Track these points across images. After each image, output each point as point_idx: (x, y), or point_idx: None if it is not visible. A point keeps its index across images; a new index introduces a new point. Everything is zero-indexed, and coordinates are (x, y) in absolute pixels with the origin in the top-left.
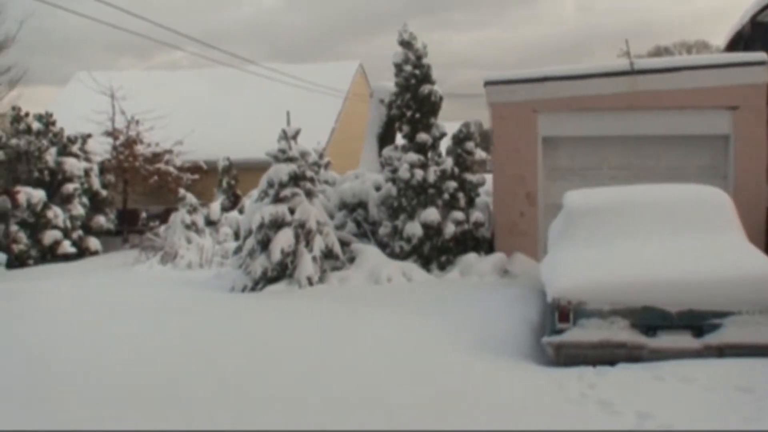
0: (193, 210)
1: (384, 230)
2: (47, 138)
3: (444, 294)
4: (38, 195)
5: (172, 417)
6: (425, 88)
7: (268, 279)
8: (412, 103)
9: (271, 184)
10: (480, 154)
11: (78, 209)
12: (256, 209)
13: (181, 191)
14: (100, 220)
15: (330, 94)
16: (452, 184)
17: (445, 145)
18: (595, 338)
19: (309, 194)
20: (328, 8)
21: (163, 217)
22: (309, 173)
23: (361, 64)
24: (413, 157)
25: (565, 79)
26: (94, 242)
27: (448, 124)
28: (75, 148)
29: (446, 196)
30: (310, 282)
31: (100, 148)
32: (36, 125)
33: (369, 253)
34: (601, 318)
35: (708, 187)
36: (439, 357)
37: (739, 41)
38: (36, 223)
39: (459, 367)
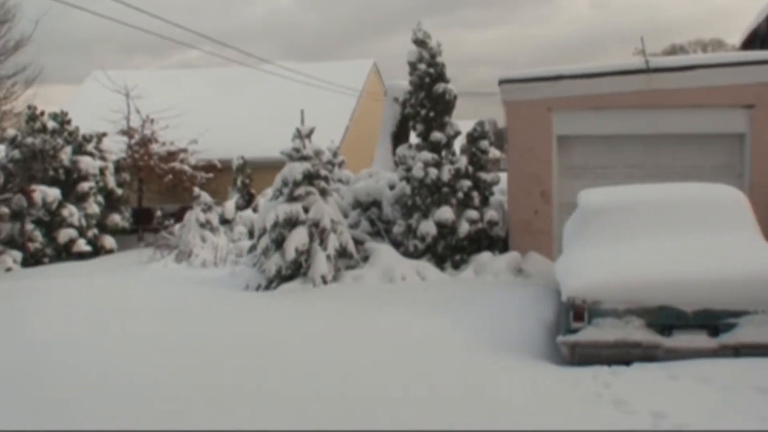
0: (207, 208)
1: (398, 229)
2: (62, 137)
3: (458, 293)
4: (53, 193)
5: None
6: (439, 87)
7: (282, 278)
8: (427, 102)
9: (285, 183)
10: (494, 152)
11: (93, 208)
12: (270, 208)
13: (196, 190)
14: (116, 218)
15: (344, 93)
16: (466, 183)
17: (459, 143)
18: (611, 338)
19: (323, 193)
20: (342, 7)
21: (178, 216)
22: (323, 172)
23: (375, 62)
24: (427, 155)
25: (580, 77)
26: (109, 240)
27: (463, 122)
28: (90, 147)
29: (460, 194)
30: (324, 281)
31: (116, 146)
32: (51, 124)
33: (383, 251)
34: (616, 317)
35: (724, 186)
36: (453, 356)
37: (755, 39)
38: (51, 222)
39: (473, 366)
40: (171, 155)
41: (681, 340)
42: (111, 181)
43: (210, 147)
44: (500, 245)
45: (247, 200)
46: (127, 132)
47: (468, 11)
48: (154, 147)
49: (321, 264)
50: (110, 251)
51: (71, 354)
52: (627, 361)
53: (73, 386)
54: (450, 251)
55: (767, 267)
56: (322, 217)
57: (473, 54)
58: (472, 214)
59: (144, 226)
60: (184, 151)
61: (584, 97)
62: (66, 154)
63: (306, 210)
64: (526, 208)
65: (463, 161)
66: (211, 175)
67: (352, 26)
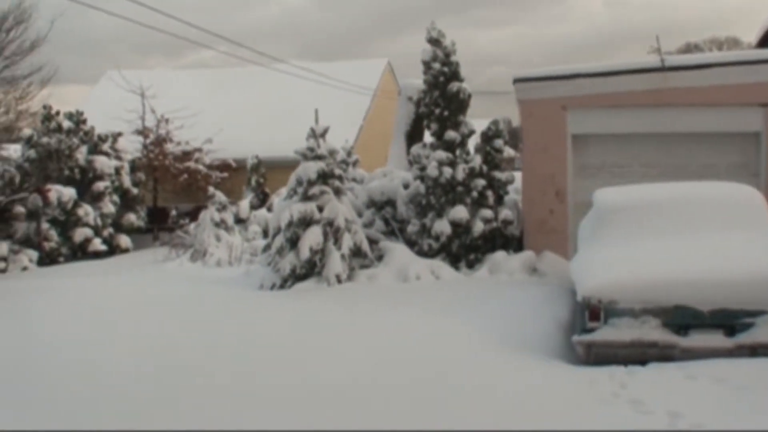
0: (222, 208)
1: (412, 228)
2: (78, 136)
3: (473, 292)
4: (69, 193)
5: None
6: (454, 86)
7: (296, 277)
8: (441, 101)
9: (299, 182)
10: (509, 151)
11: (109, 207)
12: (284, 207)
13: (211, 189)
14: (131, 217)
15: (358, 92)
16: (481, 182)
17: (473, 142)
18: (627, 337)
19: (337, 192)
20: (356, 6)
21: (193, 215)
22: (337, 171)
23: (389, 62)
24: (442, 154)
25: (594, 75)
26: (124, 240)
27: (477, 121)
28: (106, 147)
29: (475, 194)
30: (339, 280)
31: (131, 146)
32: (67, 124)
33: (397, 251)
34: (632, 317)
35: (740, 185)
36: (468, 356)
37: None
38: (67, 221)
39: (488, 366)
40: (186, 155)
41: (697, 339)
42: (126, 181)
43: (224, 146)
44: (515, 244)
45: (262, 199)
46: (142, 132)
47: (482, 10)
48: (169, 146)
49: (335, 263)
50: (126, 250)
51: (82, 353)
52: (643, 361)
53: (82, 386)
54: (464, 250)
55: None
56: (336, 216)
57: (487, 53)
58: (487, 213)
59: (159, 226)
60: (199, 150)
61: (599, 96)
62: (81, 154)
63: (320, 209)
64: (541, 207)
65: (477, 160)
66: (225, 174)
67: (366, 25)
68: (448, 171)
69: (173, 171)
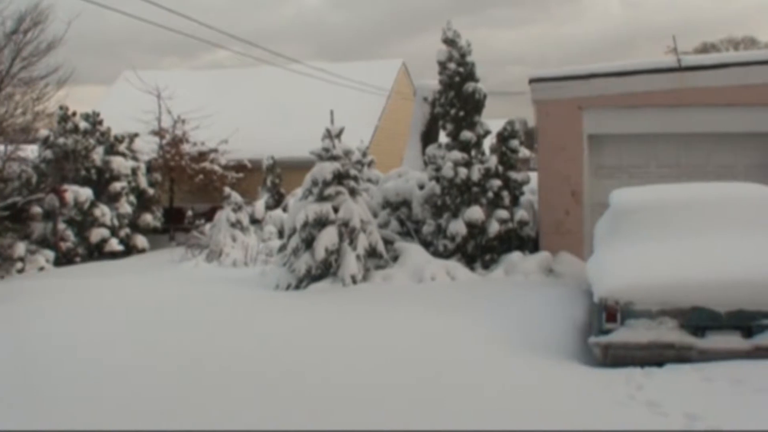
0: (237, 208)
1: (427, 229)
2: (94, 137)
3: (488, 293)
4: (85, 193)
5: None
6: (469, 86)
7: (312, 277)
8: (456, 101)
9: (315, 183)
10: (524, 152)
11: (125, 207)
12: (300, 208)
13: (226, 189)
14: (147, 218)
15: (373, 93)
16: (496, 183)
17: (489, 143)
18: (643, 339)
19: (353, 193)
20: (371, 7)
21: (209, 215)
22: (352, 172)
23: (405, 62)
24: (457, 155)
25: (611, 75)
26: (141, 240)
27: (493, 121)
28: (122, 147)
29: (490, 194)
30: (354, 280)
31: (147, 147)
32: (83, 124)
33: (412, 251)
34: (649, 318)
35: (758, 186)
36: (484, 357)
37: None
38: (83, 221)
39: (504, 366)
40: (202, 155)
41: (714, 341)
42: (143, 181)
43: (240, 147)
44: (530, 245)
45: (277, 200)
46: (159, 132)
47: (498, 10)
48: (185, 147)
49: (351, 264)
50: (142, 251)
51: (99, 353)
52: (660, 363)
53: (102, 386)
54: (480, 251)
55: None
56: (351, 216)
57: (502, 53)
58: (502, 213)
59: (175, 226)
60: (215, 151)
61: (615, 96)
62: (98, 155)
63: (336, 210)
64: (557, 208)
65: (493, 161)
66: (241, 174)
67: (382, 26)
68: (463, 171)
69: (189, 171)
